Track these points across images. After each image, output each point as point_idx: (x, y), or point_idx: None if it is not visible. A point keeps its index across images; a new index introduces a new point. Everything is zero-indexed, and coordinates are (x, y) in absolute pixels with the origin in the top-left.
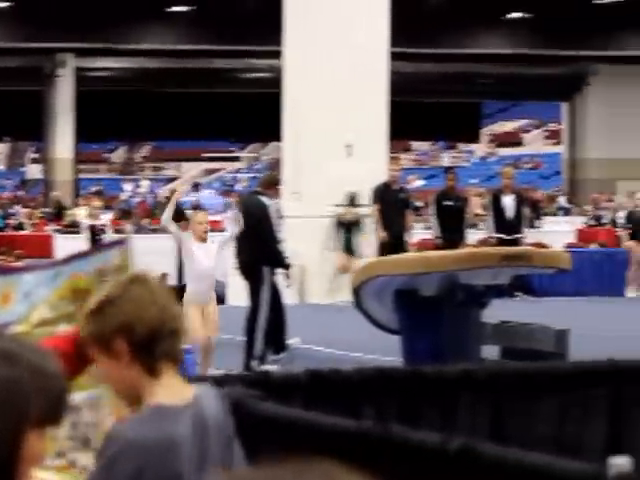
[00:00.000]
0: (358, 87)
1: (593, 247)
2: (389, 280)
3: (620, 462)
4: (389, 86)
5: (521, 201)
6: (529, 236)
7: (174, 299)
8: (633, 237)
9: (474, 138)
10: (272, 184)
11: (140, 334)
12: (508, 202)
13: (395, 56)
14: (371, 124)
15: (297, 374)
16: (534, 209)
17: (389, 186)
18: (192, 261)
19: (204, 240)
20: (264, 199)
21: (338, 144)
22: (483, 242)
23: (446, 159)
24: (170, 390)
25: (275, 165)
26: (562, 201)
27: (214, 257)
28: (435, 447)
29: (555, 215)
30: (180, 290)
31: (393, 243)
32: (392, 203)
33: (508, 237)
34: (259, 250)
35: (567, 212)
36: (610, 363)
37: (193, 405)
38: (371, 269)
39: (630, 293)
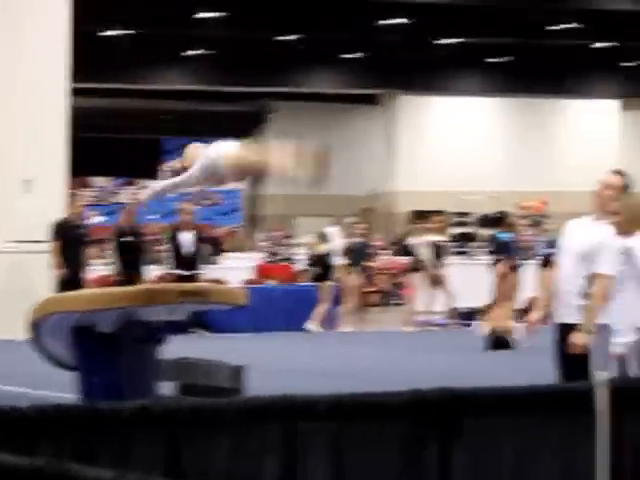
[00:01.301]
0: (36, 123)
1: (271, 283)
2: (66, 317)
3: None
4: (69, 122)
5: (200, 237)
6: (209, 272)
7: None
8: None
9: (154, 174)
10: None
11: None
12: (187, 238)
13: (76, 91)
14: (50, 160)
15: None
16: (214, 245)
17: (69, 222)
18: None
19: None
20: None
21: (17, 180)
22: (162, 278)
23: (126, 195)
24: None
25: None
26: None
27: None
28: None
29: (235, 252)
30: None
31: (72, 279)
32: (71, 239)
33: (187, 273)
34: None
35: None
36: (285, 398)
37: None
38: (47, 306)
39: (313, 328)
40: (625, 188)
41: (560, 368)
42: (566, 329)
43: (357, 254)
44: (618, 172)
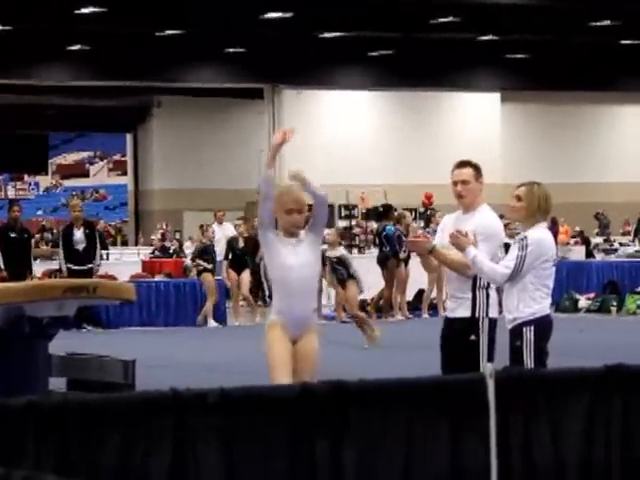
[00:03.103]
0: None
1: (159, 278)
2: None
3: None
4: None
5: (92, 232)
6: (99, 268)
7: None
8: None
9: (41, 169)
10: None
11: None
12: (78, 234)
13: None
14: None
15: None
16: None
17: None
18: None
19: None
20: None
21: None
22: (53, 274)
23: (11, 191)
24: None
25: None
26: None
27: None
28: None
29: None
30: None
31: None
32: None
33: (79, 268)
34: None
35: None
36: (173, 392)
37: None
38: None
39: (201, 322)
40: (477, 178)
41: (443, 361)
42: (451, 323)
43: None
44: (467, 163)
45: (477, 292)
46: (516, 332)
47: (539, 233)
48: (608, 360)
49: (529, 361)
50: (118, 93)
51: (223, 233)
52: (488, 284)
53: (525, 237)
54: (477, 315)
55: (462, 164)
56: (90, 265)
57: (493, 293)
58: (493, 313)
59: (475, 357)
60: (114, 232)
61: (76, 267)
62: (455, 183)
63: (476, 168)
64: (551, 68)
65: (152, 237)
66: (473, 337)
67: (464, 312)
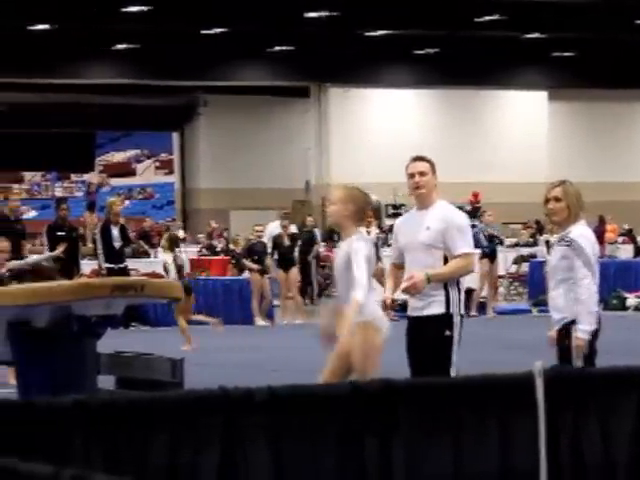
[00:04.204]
0: None
1: (207, 276)
2: (1, 311)
3: None
4: None
5: (124, 230)
6: (144, 266)
7: None
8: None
9: (87, 168)
10: None
11: None
12: (115, 231)
13: (5, 87)
14: None
15: None
16: (147, 239)
17: (5, 217)
18: None
19: None
20: None
21: None
22: (95, 272)
23: (58, 190)
24: None
25: None
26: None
27: None
28: (47, 477)
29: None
30: None
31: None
32: (8, 234)
33: (118, 266)
34: None
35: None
36: (222, 391)
37: None
38: None
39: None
40: (433, 172)
41: (412, 360)
42: (422, 321)
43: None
44: (422, 158)
45: (450, 289)
46: (565, 331)
47: (583, 230)
48: None
49: (578, 360)
50: (164, 92)
51: (275, 231)
52: (458, 281)
53: (573, 239)
54: (451, 311)
55: (417, 158)
56: (126, 263)
57: (462, 291)
58: (462, 309)
59: (447, 353)
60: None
61: (116, 265)
62: (412, 175)
63: (431, 163)
64: (598, 66)
65: (199, 235)
66: (448, 332)
67: (437, 309)
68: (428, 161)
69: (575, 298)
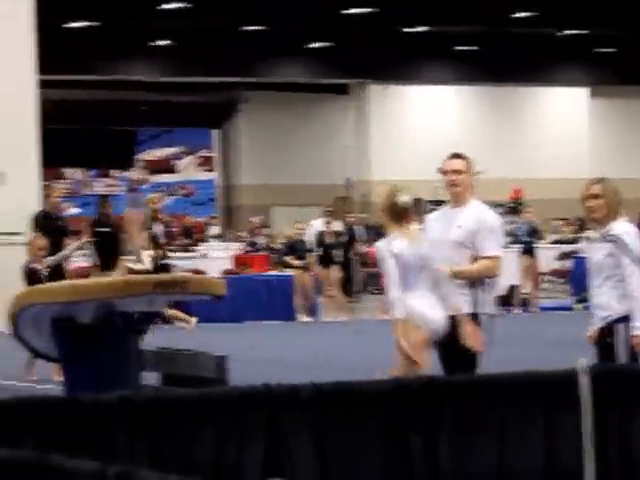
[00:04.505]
0: (6, 117)
1: (249, 273)
2: (45, 308)
3: None
4: (39, 114)
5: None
6: (186, 263)
7: None
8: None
9: (128, 165)
10: None
11: None
12: (158, 229)
13: (46, 84)
14: (23, 152)
15: None
16: (189, 235)
17: (48, 214)
18: None
19: None
20: None
21: None
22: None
23: (100, 187)
24: None
25: None
26: (215, 229)
27: None
28: (93, 474)
29: (209, 241)
30: None
31: (52, 271)
32: (51, 231)
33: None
34: None
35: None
36: (266, 388)
37: None
38: (26, 297)
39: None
40: (469, 170)
41: (439, 359)
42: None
43: (338, 245)
44: (459, 155)
45: (477, 289)
46: (608, 329)
47: (626, 227)
48: None
49: (622, 358)
50: (204, 89)
51: (317, 228)
52: (488, 282)
53: (618, 236)
54: (477, 311)
55: (454, 155)
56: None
57: (491, 291)
58: (492, 309)
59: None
60: (203, 227)
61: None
62: (446, 172)
63: (468, 161)
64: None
65: (239, 233)
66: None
67: (463, 309)
68: (465, 159)
69: (627, 295)
